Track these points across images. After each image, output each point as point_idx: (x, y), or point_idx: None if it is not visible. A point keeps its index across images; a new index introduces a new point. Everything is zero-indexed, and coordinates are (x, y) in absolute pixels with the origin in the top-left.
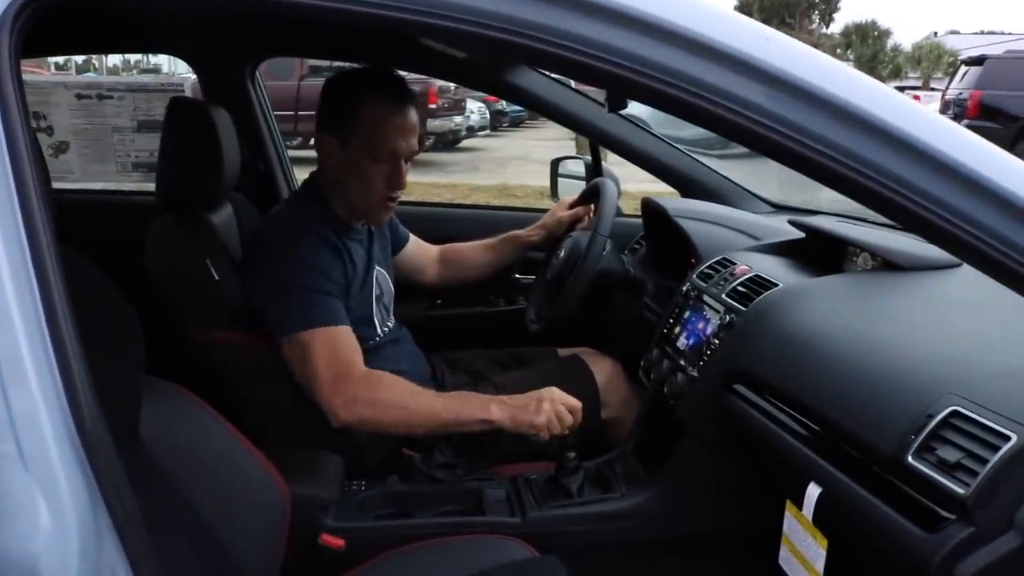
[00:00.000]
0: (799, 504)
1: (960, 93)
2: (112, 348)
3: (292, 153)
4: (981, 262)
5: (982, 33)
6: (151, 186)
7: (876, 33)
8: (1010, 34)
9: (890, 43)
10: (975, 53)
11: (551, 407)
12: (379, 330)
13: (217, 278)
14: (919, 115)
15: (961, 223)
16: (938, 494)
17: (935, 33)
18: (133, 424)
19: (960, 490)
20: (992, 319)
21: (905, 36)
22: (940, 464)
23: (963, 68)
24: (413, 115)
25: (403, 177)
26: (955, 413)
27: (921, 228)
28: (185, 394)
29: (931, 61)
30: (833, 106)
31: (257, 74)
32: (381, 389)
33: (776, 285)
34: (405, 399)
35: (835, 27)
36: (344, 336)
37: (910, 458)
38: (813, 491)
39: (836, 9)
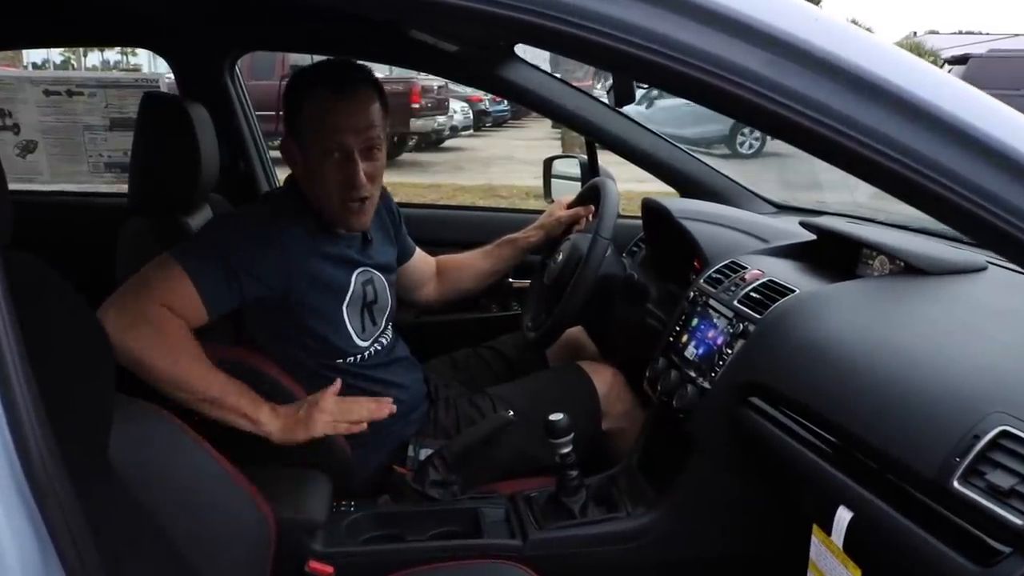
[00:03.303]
0: (827, 528)
1: None
2: (78, 365)
3: (274, 153)
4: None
5: (961, 33)
6: (126, 187)
7: None
8: (988, 34)
9: None
10: (957, 52)
11: (330, 405)
12: (357, 339)
13: None
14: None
15: (994, 207)
16: (990, 523)
17: (914, 33)
18: (103, 447)
19: (1017, 520)
20: None
21: (885, 36)
22: (991, 490)
23: (946, 67)
24: (364, 105)
25: (358, 175)
26: (1005, 433)
27: (948, 213)
28: (159, 412)
29: None
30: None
31: (237, 70)
32: (163, 332)
33: (792, 291)
34: (178, 351)
35: None
36: (186, 289)
37: (956, 483)
38: (844, 515)
39: None
